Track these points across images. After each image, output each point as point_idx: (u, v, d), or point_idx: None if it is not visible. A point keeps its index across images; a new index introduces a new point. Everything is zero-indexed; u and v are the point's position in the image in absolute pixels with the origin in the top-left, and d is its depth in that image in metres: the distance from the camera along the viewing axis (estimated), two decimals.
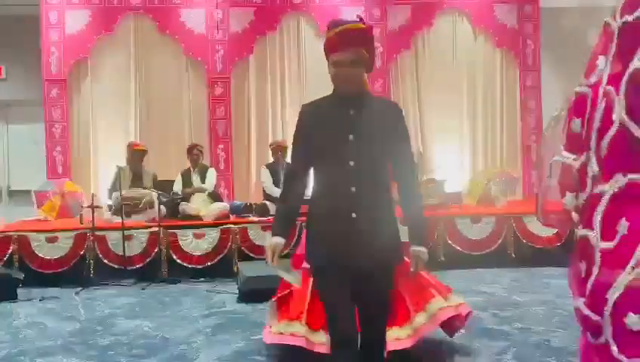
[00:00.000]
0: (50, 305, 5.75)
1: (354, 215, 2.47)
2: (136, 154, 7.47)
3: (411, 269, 2.63)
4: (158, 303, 5.74)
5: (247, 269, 5.74)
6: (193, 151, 7.64)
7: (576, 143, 1.91)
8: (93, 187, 8.28)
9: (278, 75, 8.95)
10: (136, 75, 8.67)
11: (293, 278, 2.78)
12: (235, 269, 6.52)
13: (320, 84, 8.71)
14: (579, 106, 1.91)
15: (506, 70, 9.28)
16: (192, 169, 7.65)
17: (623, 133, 1.67)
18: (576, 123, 1.91)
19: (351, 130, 2.50)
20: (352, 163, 2.48)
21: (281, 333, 3.73)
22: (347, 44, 2.50)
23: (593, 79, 1.87)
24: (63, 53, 8.40)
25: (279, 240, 2.56)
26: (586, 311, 1.76)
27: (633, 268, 1.60)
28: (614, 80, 1.73)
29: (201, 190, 7.43)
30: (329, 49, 2.56)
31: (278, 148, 7.73)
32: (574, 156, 1.92)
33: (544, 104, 9.00)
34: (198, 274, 6.74)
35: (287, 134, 8.80)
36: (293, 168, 2.70)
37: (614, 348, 1.65)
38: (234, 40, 8.73)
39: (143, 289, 6.33)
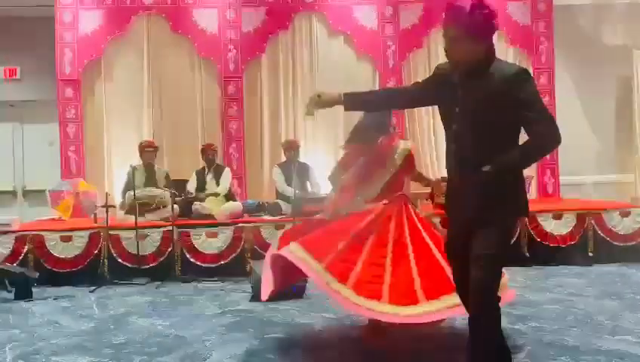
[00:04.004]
0: (64, 303, 5.79)
1: None
2: (147, 153, 7.51)
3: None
4: (172, 302, 5.77)
5: (260, 268, 5.74)
6: (207, 152, 7.68)
7: None
8: (107, 186, 8.31)
9: (290, 74, 8.95)
10: (149, 74, 8.69)
11: None
12: (248, 268, 6.53)
13: (332, 82, 8.84)
14: None
15: None
16: (206, 169, 7.69)
17: None
18: None
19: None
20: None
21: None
22: (446, 21, 2.84)
23: None
24: (76, 54, 8.44)
25: (337, 96, 3.11)
26: None
27: None
28: None
29: (215, 194, 7.44)
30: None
31: (291, 147, 7.74)
32: None
33: (557, 102, 8.94)
34: (212, 273, 6.76)
35: (299, 133, 8.81)
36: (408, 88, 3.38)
37: None
38: (246, 39, 8.73)
39: (157, 288, 6.36)
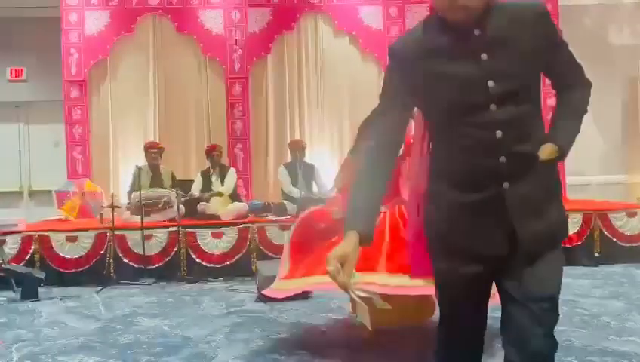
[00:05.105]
0: (70, 304, 5.81)
1: None
2: (151, 154, 7.53)
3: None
4: (178, 302, 5.77)
5: (266, 268, 5.74)
6: (212, 153, 7.68)
7: None
8: (113, 187, 8.34)
9: (295, 75, 8.95)
10: (155, 75, 8.71)
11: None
12: (254, 268, 6.54)
13: (338, 82, 8.85)
14: None
15: None
16: (211, 169, 7.70)
17: None
18: None
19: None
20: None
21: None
22: None
23: None
24: (82, 55, 8.47)
25: (354, 237, 1.76)
26: None
27: None
28: None
29: (219, 194, 7.45)
30: None
31: (296, 148, 7.75)
32: None
33: None
34: (217, 273, 6.77)
35: (305, 133, 8.81)
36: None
37: None
38: (252, 40, 8.74)
39: (163, 288, 6.36)
